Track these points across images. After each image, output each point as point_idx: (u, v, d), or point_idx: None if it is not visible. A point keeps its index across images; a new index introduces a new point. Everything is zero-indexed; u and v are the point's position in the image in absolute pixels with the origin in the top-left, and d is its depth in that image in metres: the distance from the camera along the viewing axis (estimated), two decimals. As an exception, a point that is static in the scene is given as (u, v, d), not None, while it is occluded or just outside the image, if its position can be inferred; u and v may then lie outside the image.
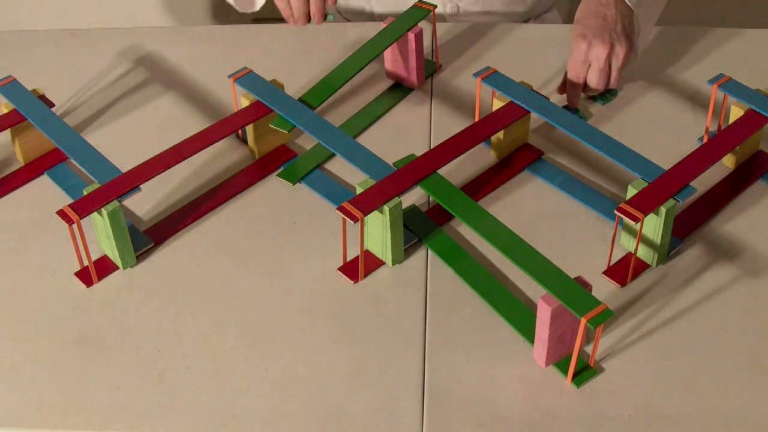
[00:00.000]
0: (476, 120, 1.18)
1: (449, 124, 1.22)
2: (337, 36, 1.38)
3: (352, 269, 1.03)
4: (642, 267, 1.02)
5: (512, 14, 1.50)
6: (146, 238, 1.07)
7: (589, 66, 1.17)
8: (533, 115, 1.13)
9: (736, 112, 1.11)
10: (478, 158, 1.17)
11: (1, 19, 2.11)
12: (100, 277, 1.04)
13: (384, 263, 1.04)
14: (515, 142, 1.17)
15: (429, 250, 1.05)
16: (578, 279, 0.90)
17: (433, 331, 0.97)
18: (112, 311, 1.00)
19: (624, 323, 0.97)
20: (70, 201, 1.05)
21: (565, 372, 0.92)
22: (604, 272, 1.02)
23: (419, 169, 1.04)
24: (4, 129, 1.14)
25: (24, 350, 0.97)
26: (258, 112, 1.14)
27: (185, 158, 1.08)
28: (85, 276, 1.03)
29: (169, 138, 1.12)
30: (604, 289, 1.00)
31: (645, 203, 0.97)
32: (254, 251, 1.06)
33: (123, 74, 1.34)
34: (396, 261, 1.04)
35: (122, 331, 0.98)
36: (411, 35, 1.24)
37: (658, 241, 1.00)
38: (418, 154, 1.07)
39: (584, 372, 0.92)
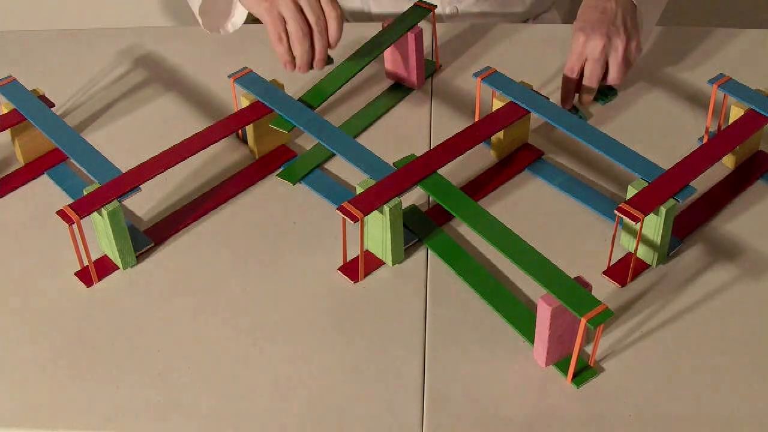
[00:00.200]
0: (476, 120, 1.18)
1: (449, 124, 1.22)
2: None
3: (352, 269, 1.03)
4: (642, 267, 1.02)
5: (511, 15, 1.50)
6: (146, 238, 1.07)
7: (587, 59, 1.17)
8: (533, 115, 1.13)
9: (736, 112, 1.11)
10: (478, 158, 1.17)
11: (1, 19, 2.11)
12: (100, 277, 1.04)
13: (384, 263, 1.04)
14: (515, 142, 1.17)
15: (429, 250, 1.05)
16: (578, 279, 0.90)
17: (433, 331, 0.97)
18: (112, 311, 1.00)
19: (624, 323, 0.97)
20: (70, 201, 1.05)
21: (565, 372, 0.92)
22: (604, 272, 1.02)
23: (419, 169, 1.04)
24: (4, 129, 1.14)
25: (24, 350, 0.97)
26: (258, 112, 1.14)
27: (185, 158, 1.08)
28: (85, 276, 1.03)
29: (169, 138, 1.12)
30: (604, 289, 1.00)
31: (645, 203, 0.97)
32: (254, 251, 1.06)
33: (123, 74, 1.34)
34: (396, 261, 1.04)
35: (122, 331, 0.98)
36: (411, 35, 1.24)
37: (658, 241, 1.00)
38: (418, 154, 1.07)
39: (584, 372, 0.92)
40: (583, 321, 0.86)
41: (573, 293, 0.88)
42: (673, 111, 1.24)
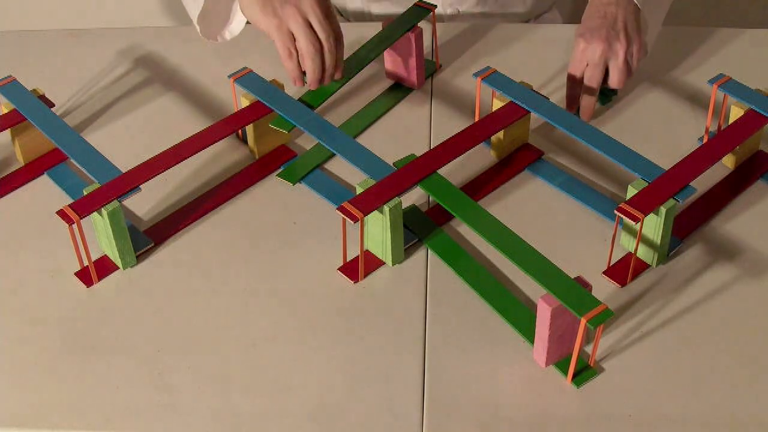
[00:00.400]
0: (476, 120, 1.18)
1: (449, 124, 1.22)
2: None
3: (352, 269, 1.03)
4: (642, 267, 1.02)
5: (511, 15, 1.50)
6: (146, 238, 1.07)
7: (587, 64, 1.17)
8: (533, 115, 1.13)
9: (736, 112, 1.11)
10: (478, 158, 1.17)
11: (1, 19, 2.11)
12: (100, 277, 1.04)
13: (384, 263, 1.04)
14: (515, 142, 1.17)
15: (429, 250, 1.05)
16: (578, 279, 0.90)
17: (433, 331, 0.97)
18: (112, 311, 1.00)
19: (624, 323, 0.97)
20: (70, 201, 1.05)
21: (565, 372, 0.92)
22: (604, 272, 1.02)
23: (419, 169, 1.04)
24: (4, 129, 1.14)
25: (24, 350, 0.97)
26: (258, 112, 1.14)
27: (185, 158, 1.08)
28: (85, 276, 1.03)
29: (169, 138, 1.12)
30: (604, 289, 1.00)
31: (645, 203, 0.97)
32: (254, 251, 1.06)
33: (123, 74, 1.34)
34: (396, 261, 1.04)
35: (122, 331, 0.98)
36: (411, 35, 1.24)
37: (658, 241, 1.00)
38: (418, 154, 1.07)
39: (584, 372, 0.92)
40: (583, 321, 0.86)
41: (573, 293, 0.88)
42: (673, 111, 1.24)
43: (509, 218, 1.01)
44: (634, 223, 0.96)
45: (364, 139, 1.21)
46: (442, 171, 1.06)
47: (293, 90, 1.24)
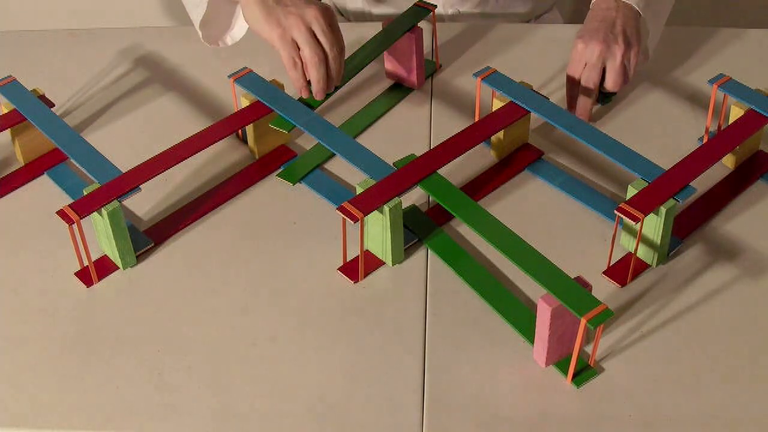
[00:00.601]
0: (476, 120, 1.18)
1: (449, 124, 1.22)
2: (337, 36, 1.38)
3: (352, 269, 1.03)
4: (642, 267, 1.02)
5: (512, 15, 1.50)
6: (146, 238, 1.07)
7: (585, 66, 1.17)
8: (533, 115, 1.13)
9: (736, 112, 1.11)
10: (478, 158, 1.17)
11: (1, 19, 2.11)
12: (100, 277, 1.04)
13: (384, 263, 1.04)
14: (515, 142, 1.17)
15: (429, 250, 1.05)
16: (578, 279, 0.90)
17: (433, 331, 0.97)
18: (112, 311, 1.00)
19: (624, 323, 0.97)
20: (70, 201, 1.05)
21: (565, 372, 0.92)
22: (604, 272, 1.02)
23: (419, 169, 1.04)
24: (4, 129, 1.14)
25: (24, 350, 0.97)
26: (258, 112, 1.14)
27: (185, 158, 1.08)
28: (85, 276, 1.03)
29: (169, 138, 1.12)
30: (604, 289, 1.00)
31: (645, 203, 0.97)
32: (254, 251, 1.06)
33: (123, 74, 1.34)
34: (396, 261, 1.04)
35: (122, 331, 0.98)
36: (411, 35, 1.24)
37: (658, 241, 1.00)
38: (418, 154, 1.07)
39: (584, 372, 0.92)
40: (583, 321, 0.86)
41: (573, 293, 0.88)
42: (673, 111, 1.24)
43: (509, 218, 1.01)
44: (634, 223, 0.96)
45: (364, 139, 1.21)
46: (442, 171, 1.06)
47: (293, 90, 1.24)
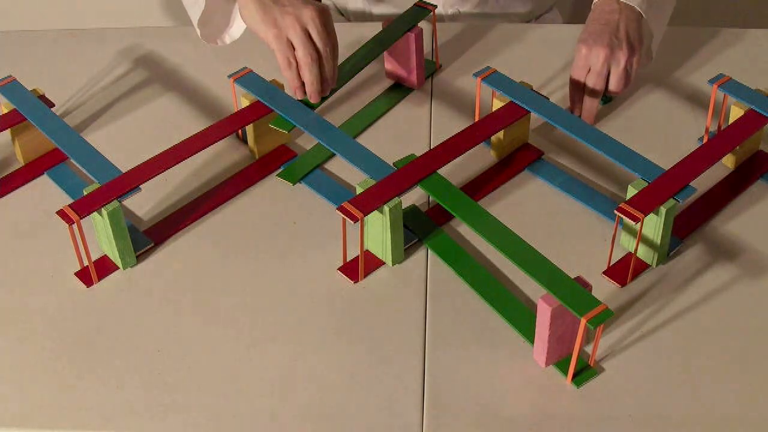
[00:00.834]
0: (476, 120, 1.18)
1: (449, 124, 1.22)
2: (338, 36, 1.38)
3: (352, 269, 1.03)
4: (642, 267, 1.02)
5: (512, 15, 1.50)
6: (146, 238, 1.07)
7: (589, 70, 1.17)
8: (533, 115, 1.13)
9: (736, 112, 1.11)
10: (478, 158, 1.17)
11: (1, 19, 2.11)
12: (100, 277, 1.04)
13: (384, 263, 1.04)
14: (515, 142, 1.17)
15: (429, 250, 1.05)
16: (578, 279, 0.90)
17: (433, 331, 0.97)
18: (112, 311, 1.00)
19: (624, 323, 0.97)
20: (70, 201, 1.05)
21: (565, 372, 0.92)
22: (604, 272, 1.02)
23: (419, 169, 1.04)
24: (4, 129, 1.14)
25: (24, 350, 0.97)
26: (258, 112, 1.14)
27: (185, 158, 1.08)
28: (85, 276, 1.03)
29: (169, 138, 1.12)
30: (604, 289, 1.00)
31: (645, 203, 0.97)
32: (254, 251, 1.06)
33: (123, 74, 1.34)
34: (396, 261, 1.04)
35: (122, 331, 0.98)
36: (411, 35, 1.24)
37: (658, 241, 1.00)
38: (418, 154, 1.07)
39: (584, 372, 0.92)
40: (583, 321, 0.86)
41: (573, 293, 0.88)
42: (673, 111, 1.24)
43: (509, 218, 1.01)
44: (634, 223, 0.96)
45: (364, 139, 1.21)
46: (442, 171, 1.06)
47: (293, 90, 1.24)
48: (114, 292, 1.02)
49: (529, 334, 0.95)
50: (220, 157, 1.19)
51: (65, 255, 1.04)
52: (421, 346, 0.95)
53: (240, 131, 1.19)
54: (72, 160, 1.11)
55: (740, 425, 0.88)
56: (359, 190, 1.01)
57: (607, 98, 1.23)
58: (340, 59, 1.22)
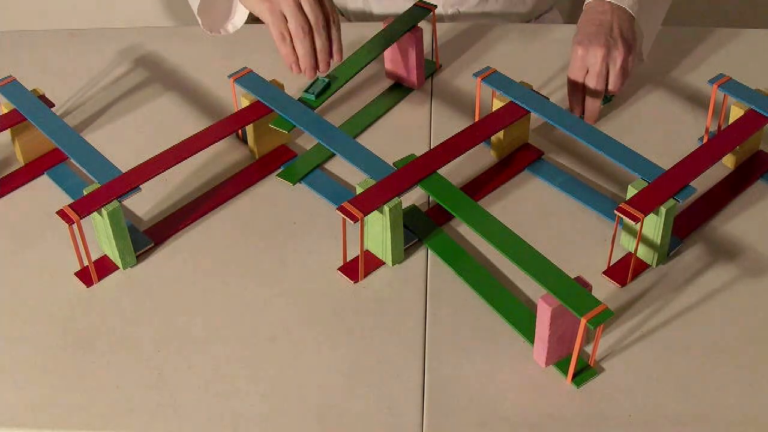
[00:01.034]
0: (476, 120, 1.18)
1: (449, 124, 1.22)
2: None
3: (352, 269, 1.03)
4: (642, 267, 1.02)
5: (512, 15, 1.50)
6: (146, 238, 1.07)
7: (587, 71, 1.17)
8: (533, 115, 1.13)
9: (736, 112, 1.11)
10: (478, 158, 1.17)
11: (1, 19, 2.11)
12: (100, 277, 1.04)
13: (384, 263, 1.04)
14: (515, 142, 1.17)
15: (429, 250, 1.05)
16: (578, 279, 0.90)
17: (433, 331, 0.97)
18: (112, 311, 1.00)
19: (624, 323, 0.97)
20: (70, 201, 1.05)
21: (565, 372, 0.92)
22: (604, 272, 1.02)
23: (419, 169, 1.04)
24: (4, 129, 1.14)
25: (24, 350, 0.97)
26: (258, 112, 1.14)
27: (185, 158, 1.08)
28: (85, 276, 1.03)
29: (169, 138, 1.12)
30: (604, 289, 1.00)
31: (645, 203, 0.98)
32: (254, 251, 1.06)
33: (123, 74, 1.34)
34: (396, 261, 1.04)
35: (122, 331, 0.98)
36: (411, 35, 1.24)
37: (658, 241, 1.00)
38: (418, 154, 1.07)
39: (584, 372, 0.92)
40: (583, 321, 0.86)
41: (573, 293, 0.88)
42: (673, 111, 1.24)
43: (509, 218, 1.01)
44: (634, 223, 0.96)
45: (364, 139, 1.21)
46: (442, 171, 1.06)
47: (293, 90, 1.24)
48: (114, 292, 1.02)
49: (529, 334, 0.95)
50: (220, 157, 1.19)
51: (65, 255, 1.04)
52: (421, 346, 0.95)
53: (240, 131, 1.19)
54: (72, 160, 1.11)
55: (740, 425, 0.88)
56: (359, 190, 1.01)
57: (607, 98, 1.23)
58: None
